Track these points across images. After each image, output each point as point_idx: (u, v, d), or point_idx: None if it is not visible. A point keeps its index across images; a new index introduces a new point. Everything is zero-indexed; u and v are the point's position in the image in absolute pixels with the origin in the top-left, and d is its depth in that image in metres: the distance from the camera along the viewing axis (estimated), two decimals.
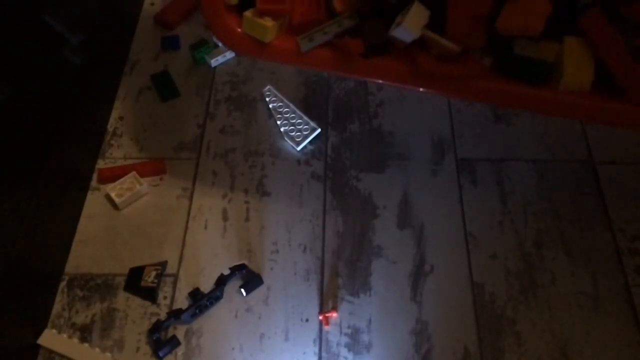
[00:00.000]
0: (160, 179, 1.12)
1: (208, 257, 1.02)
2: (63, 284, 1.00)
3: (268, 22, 0.77)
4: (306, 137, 1.15)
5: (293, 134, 1.16)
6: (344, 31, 0.78)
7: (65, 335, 0.94)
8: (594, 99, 0.75)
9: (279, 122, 1.18)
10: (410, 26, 0.72)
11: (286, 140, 1.16)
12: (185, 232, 1.05)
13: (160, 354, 0.91)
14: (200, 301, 0.95)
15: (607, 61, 0.72)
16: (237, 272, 0.98)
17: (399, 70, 0.78)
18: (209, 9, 0.80)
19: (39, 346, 0.93)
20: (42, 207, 1.09)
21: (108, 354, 0.92)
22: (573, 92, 0.74)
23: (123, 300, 0.98)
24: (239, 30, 0.80)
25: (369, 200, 1.08)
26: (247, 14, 0.78)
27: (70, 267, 1.01)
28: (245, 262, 1.00)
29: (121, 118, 1.21)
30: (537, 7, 0.69)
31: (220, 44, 1.29)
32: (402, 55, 0.77)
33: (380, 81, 0.81)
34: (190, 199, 1.09)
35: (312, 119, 1.17)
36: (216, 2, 0.78)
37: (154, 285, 0.98)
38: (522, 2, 0.70)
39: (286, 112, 1.18)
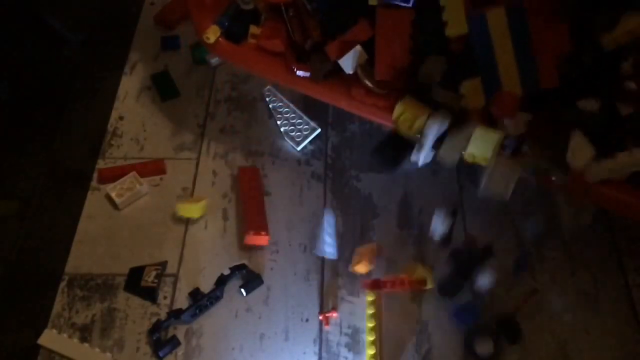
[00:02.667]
0: (160, 179, 1.12)
1: (208, 257, 1.02)
2: (63, 284, 1.00)
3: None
4: (306, 137, 1.15)
5: (293, 134, 1.16)
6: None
7: (65, 335, 0.94)
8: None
9: (279, 122, 1.18)
10: (343, 64, 0.89)
11: (286, 140, 1.16)
12: (185, 232, 1.05)
13: (160, 354, 0.91)
14: (200, 301, 0.95)
15: None
16: (237, 272, 0.98)
17: (339, 94, 0.95)
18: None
19: (39, 346, 0.93)
20: (42, 208, 1.09)
21: (108, 354, 0.92)
22: None
23: (123, 300, 0.98)
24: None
25: (369, 200, 1.08)
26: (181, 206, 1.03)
27: (70, 267, 1.01)
28: (245, 262, 1.00)
29: (121, 118, 1.21)
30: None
31: None
32: (344, 84, 0.94)
33: (323, 99, 0.98)
34: None
35: (312, 119, 1.17)
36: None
37: (154, 285, 0.98)
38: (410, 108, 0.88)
39: (286, 112, 1.18)
